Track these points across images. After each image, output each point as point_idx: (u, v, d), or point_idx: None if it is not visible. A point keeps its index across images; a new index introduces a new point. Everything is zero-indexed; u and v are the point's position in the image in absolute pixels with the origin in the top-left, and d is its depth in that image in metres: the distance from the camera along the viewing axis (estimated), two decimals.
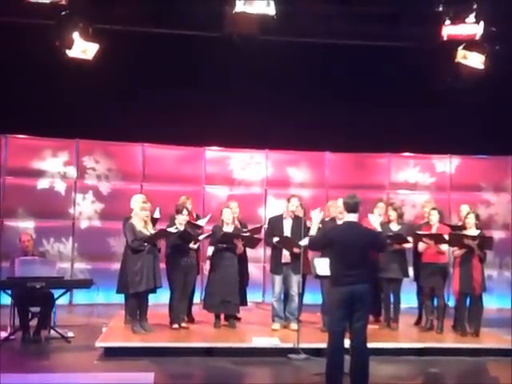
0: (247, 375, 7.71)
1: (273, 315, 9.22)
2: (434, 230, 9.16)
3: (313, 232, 8.12)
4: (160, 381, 7.02)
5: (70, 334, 8.81)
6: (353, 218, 6.67)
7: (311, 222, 8.29)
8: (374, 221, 8.62)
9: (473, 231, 8.91)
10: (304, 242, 8.47)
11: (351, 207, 6.66)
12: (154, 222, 9.03)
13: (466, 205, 9.76)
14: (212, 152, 12.68)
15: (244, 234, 9.28)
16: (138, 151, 12.39)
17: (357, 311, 6.44)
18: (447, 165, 12.97)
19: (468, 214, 9.10)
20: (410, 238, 9.17)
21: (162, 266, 9.01)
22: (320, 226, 8.25)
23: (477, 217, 9.04)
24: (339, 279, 6.48)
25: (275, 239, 9.05)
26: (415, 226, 9.72)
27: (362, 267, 6.47)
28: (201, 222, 9.44)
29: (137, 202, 9.01)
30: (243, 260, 9.60)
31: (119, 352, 7.91)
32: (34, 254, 9.21)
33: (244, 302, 9.67)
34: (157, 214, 9.28)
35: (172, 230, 8.87)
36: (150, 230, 8.74)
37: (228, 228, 9.24)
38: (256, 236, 9.48)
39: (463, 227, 9.11)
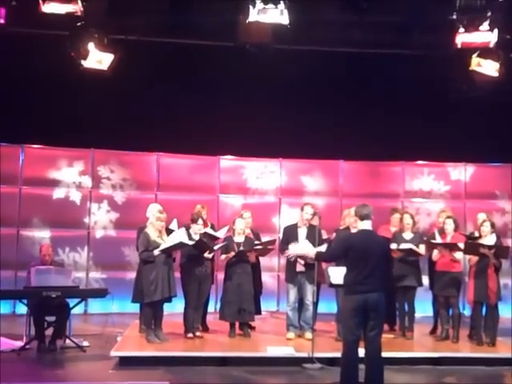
0: None
1: (287, 324, 9.20)
2: (448, 239, 9.12)
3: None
4: None
5: (85, 344, 8.84)
6: (367, 225, 6.67)
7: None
8: None
9: (488, 239, 8.86)
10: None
11: (364, 215, 6.66)
12: (169, 233, 9.00)
13: (483, 213, 9.70)
14: (226, 161, 12.70)
15: (256, 248, 9.29)
16: (152, 161, 12.44)
17: (371, 320, 6.42)
18: (462, 173, 12.91)
19: (483, 222, 9.05)
20: (422, 247, 9.16)
21: (177, 275, 9.02)
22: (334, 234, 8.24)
23: (492, 225, 8.99)
24: (353, 287, 6.46)
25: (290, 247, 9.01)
26: (429, 235, 9.66)
27: (377, 275, 6.45)
28: (219, 234, 9.44)
29: (153, 212, 9.02)
30: (256, 269, 9.60)
31: (134, 361, 7.93)
32: (52, 264, 9.20)
33: (258, 311, 9.67)
34: (174, 226, 9.23)
35: (189, 242, 8.88)
36: (164, 240, 8.75)
37: (239, 238, 9.25)
38: (269, 247, 9.51)
39: (479, 237, 9.05)
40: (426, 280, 9.64)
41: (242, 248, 9.09)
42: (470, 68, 10.35)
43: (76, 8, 9.32)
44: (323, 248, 8.73)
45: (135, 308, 9.55)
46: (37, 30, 10.36)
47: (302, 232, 9.11)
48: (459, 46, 10.00)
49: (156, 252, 8.56)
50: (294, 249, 8.55)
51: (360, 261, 6.45)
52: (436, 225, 10.21)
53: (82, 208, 12.13)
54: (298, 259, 9.00)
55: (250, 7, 9.47)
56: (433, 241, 9.20)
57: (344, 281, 6.68)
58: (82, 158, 12.19)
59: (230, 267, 9.15)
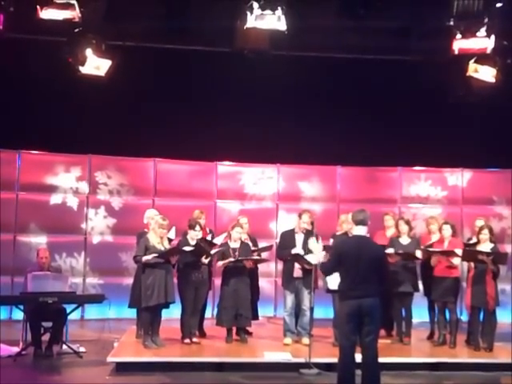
0: None
1: (284, 330, 9.19)
2: (446, 245, 9.11)
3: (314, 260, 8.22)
4: None
5: (82, 349, 8.81)
6: (362, 231, 6.66)
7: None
8: None
9: (486, 245, 8.86)
10: (314, 259, 8.50)
11: (359, 220, 6.65)
12: (168, 241, 8.99)
13: (481, 219, 9.68)
14: (224, 167, 12.71)
15: (253, 257, 9.30)
16: (149, 166, 12.44)
17: (366, 325, 6.41)
18: (459, 178, 12.93)
19: (481, 228, 9.04)
20: (418, 252, 9.16)
21: (174, 280, 9.00)
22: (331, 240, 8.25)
23: (490, 230, 8.99)
24: (347, 293, 6.46)
25: (293, 250, 9.01)
26: (427, 245, 9.56)
27: (371, 281, 6.43)
28: (217, 241, 9.44)
29: (156, 218, 8.95)
30: (254, 275, 9.59)
31: (131, 367, 7.90)
32: (50, 269, 9.18)
33: (255, 317, 9.66)
34: (172, 235, 9.17)
35: (187, 248, 8.87)
36: (165, 246, 8.74)
37: (235, 244, 9.24)
38: (264, 257, 9.59)
39: (477, 244, 9.04)
40: (421, 285, 9.62)
41: (237, 253, 9.09)
42: (467, 74, 10.38)
43: (74, 14, 9.33)
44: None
45: (132, 314, 9.53)
46: (35, 36, 10.39)
47: (299, 238, 9.11)
48: (456, 51, 10.03)
49: (144, 258, 8.55)
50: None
51: (353, 266, 6.44)
52: (427, 233, 10.07)
53: (79, 214, 12.11)
54: (296, 264, 9.00)
55: (248, 13, 9.50)
56: (430, 248, 9.19)
57: (338, 286, 6.68)
58: (79, 164, 12.18)
59: (227, 273, 9.14)
